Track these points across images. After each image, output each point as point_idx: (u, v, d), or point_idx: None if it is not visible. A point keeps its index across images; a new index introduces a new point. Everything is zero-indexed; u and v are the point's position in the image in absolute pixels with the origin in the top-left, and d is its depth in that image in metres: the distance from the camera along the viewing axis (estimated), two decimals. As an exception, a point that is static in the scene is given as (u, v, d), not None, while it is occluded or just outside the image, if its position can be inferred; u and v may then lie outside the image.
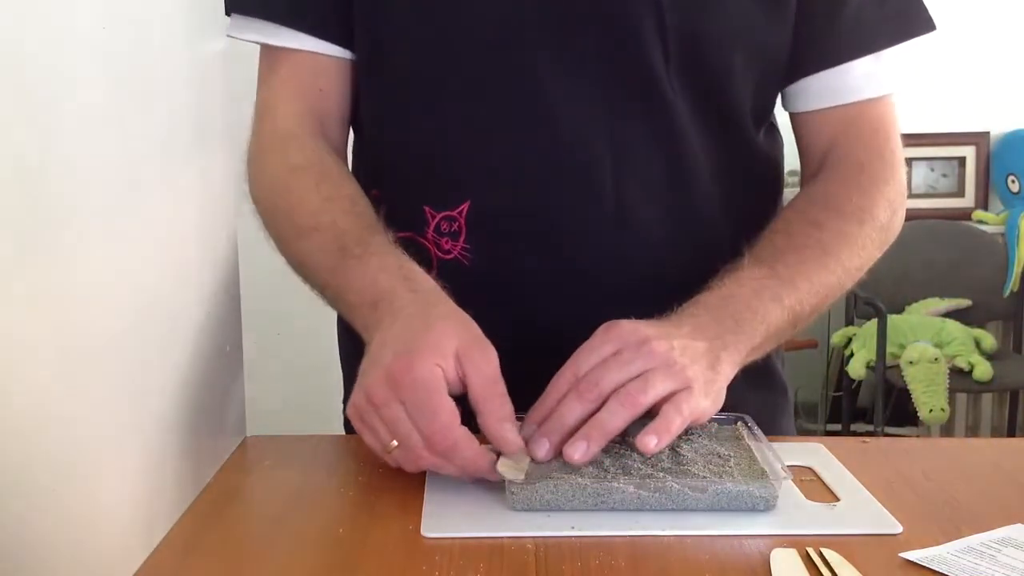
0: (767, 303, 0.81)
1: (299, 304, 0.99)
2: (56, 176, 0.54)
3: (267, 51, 0.92)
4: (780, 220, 0.90)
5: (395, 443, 0.71)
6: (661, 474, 0.72)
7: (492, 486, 0.72)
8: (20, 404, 0.50)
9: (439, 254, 0.89)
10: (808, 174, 0.96)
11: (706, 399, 0.75)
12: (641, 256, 0.89)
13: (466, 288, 0.80)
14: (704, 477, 0.71)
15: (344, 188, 0.87)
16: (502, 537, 0.66)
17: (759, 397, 0.94)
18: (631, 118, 0.87)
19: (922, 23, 0.95)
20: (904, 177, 0.94)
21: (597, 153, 0.87)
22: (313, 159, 0.88)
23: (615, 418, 0.71)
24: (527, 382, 0.74)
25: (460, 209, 0.88)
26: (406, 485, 0.74)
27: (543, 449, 0.72)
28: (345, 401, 1.02)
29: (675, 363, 0.73)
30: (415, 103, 0.89)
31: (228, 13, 0.90)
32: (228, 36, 0.90)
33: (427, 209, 0.89)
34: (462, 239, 0.89)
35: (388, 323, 0.74)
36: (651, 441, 0.71)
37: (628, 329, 0.75)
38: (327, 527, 0.69)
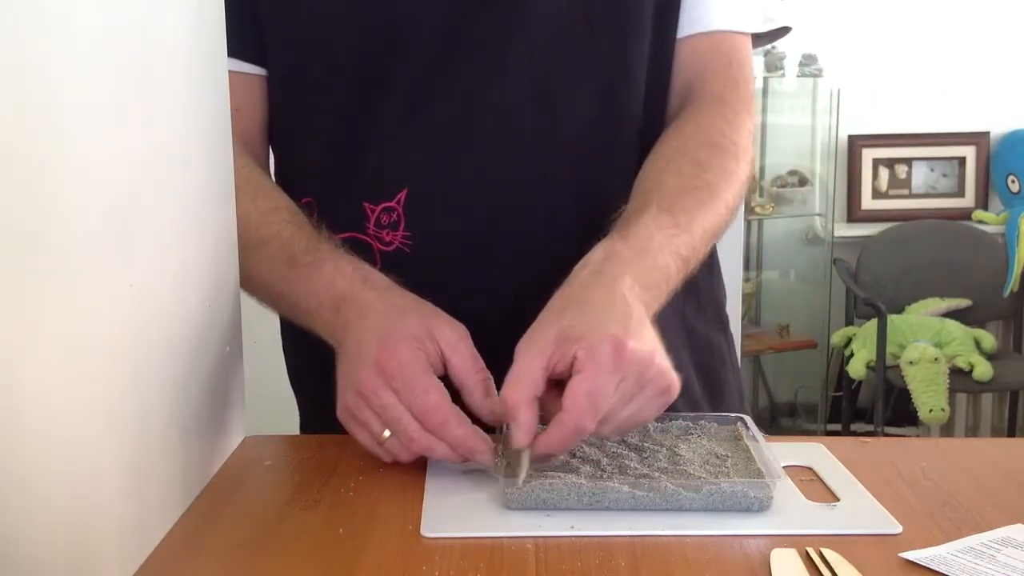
0: (670, 259, 0.81)
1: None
2: (56, 177, 0.54)
3: None
4: (661, 157, 0.91)
5: (387, 433, 0.75)
6: (657, 474, 0.72)
7: (491, 486, 0.72)
8: (20, 404, 0.51)
9: (381, 247, 0.91)
10: (673, 108, 0.98)
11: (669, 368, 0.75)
12: (569, 219, 0.91)
13: (410, 276, 0.83)
14: (700, 477, 0.71)
15: (279, 200, 0.90)
16: (502, 537, 0.66)
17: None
18: (552, 77, 0.90)
19: None
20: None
21: (521, 120, 0.89)
22: (245, 175, 0.90)
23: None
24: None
25: (398, 198, 0.90)
26: (406, 485, 0.74)
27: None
28: (302, 421, 1.06)
29: (666, 386, 0.74)
30: (339, 105, 0.92)
31: None
32: None
33: (366, 204, 0.91)
34: (401, 228, 0.91)
35: (358, 323, 0.78)
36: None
37: (608, 355, 0.71)
38: (327, 527, 0.69)
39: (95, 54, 0.59)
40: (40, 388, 0.52)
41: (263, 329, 1.05)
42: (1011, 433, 3.34)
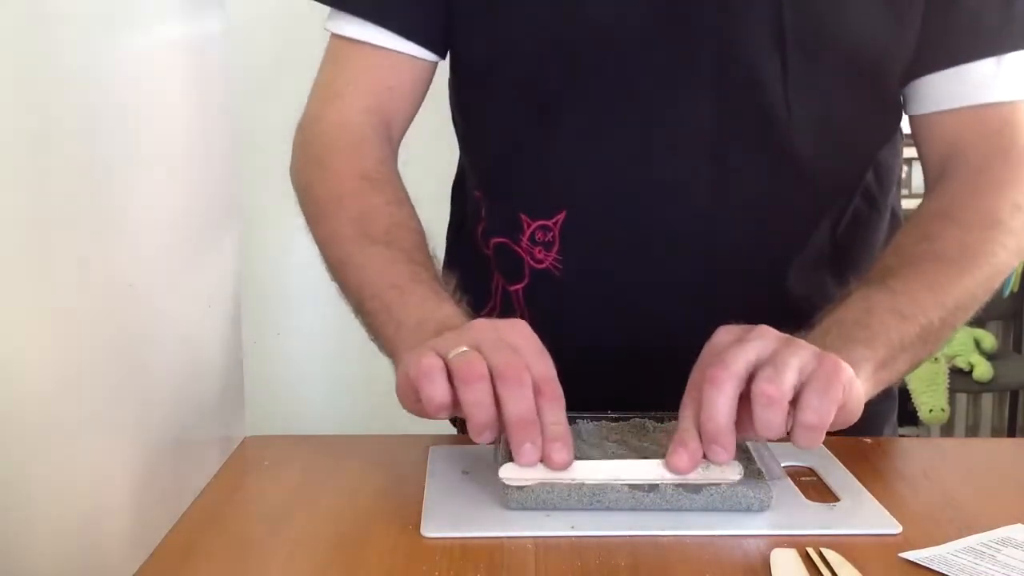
0: (883, 316, 0.75)
1: (299, 304, 0.99)
2: (55, 177, 0.54)
3: (342, 41, 0.92)
4: (891, 243, 0.86)
5: (462, 348, 0.67)
6: (658, 474, 0.72)
7: (492, 486, 0.72)
8: (20, 405, 0.51)
9: (532, 263, 0.90)
10: (929, 181, 0.91)
11: (857, 381, 0.67)
12: (733, 273, 0.88)
13: (555, 298, 0.81)
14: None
15: (412, 221, 0.86)
16: (502, 537, 0.66)
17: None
18: (736, 134, 0.86)
19: None
20: None
21: (697, 170, 0.87)
22: (385, 174, 0.88)
23: (768, 427, 0.66)
24: (602, 391, 0.73)
25: (556, 219, 0.89)
26: (406, 485, 0.74)
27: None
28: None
29: (798, 341, 0.67)
30: (519, 113, 0.90)
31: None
32: (325, 28, 0.92)
33: (523, 217, 0.90)
34: (555, 250, 0.89)
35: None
36: (804, 439, 0.66)
37: (737, 326, 0.70)
38: (327, 527, 0.69)
39: (96, 53, 0.59)
40: (40, 388, 0.52)
41: (263, 329, 1.05)
42: (1011, 433, 3.34)
